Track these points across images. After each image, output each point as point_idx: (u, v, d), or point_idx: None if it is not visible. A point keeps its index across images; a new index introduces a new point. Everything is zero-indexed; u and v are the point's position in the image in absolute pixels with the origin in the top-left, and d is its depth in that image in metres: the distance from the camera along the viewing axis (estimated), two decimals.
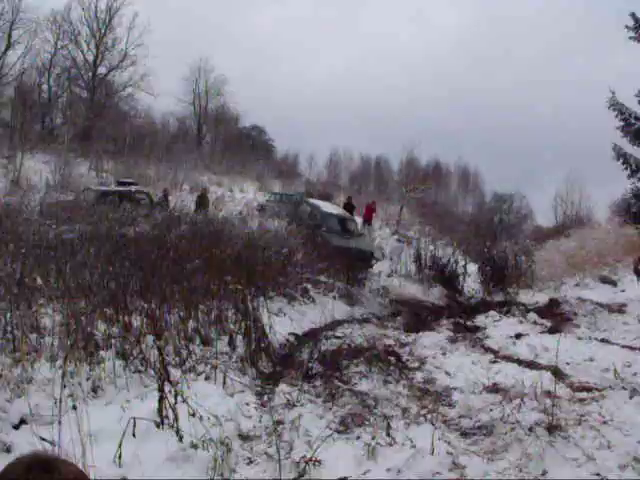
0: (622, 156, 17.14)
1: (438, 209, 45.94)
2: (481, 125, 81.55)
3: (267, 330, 7.98)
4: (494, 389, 6.40)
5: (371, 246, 18.90)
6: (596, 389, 6.51)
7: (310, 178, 57.10)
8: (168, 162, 35.17)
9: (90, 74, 44.61)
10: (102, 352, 5.98)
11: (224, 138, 56.65)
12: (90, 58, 44.44)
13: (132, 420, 4.30)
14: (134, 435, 4.27)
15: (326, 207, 20.16)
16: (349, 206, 29.48)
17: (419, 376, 7.11)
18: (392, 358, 7.55)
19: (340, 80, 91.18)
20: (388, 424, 5.15)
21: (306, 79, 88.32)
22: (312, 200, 21.82)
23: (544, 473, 4.44)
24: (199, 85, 57.25)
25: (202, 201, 21.09)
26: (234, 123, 60.98)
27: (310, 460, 4.42)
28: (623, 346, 8.53)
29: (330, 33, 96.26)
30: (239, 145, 55.65)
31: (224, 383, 6.10)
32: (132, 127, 43.58)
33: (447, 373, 7.19)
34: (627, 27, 17.61)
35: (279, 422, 5.47)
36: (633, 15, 17.37)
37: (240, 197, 35.94)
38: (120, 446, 4.06)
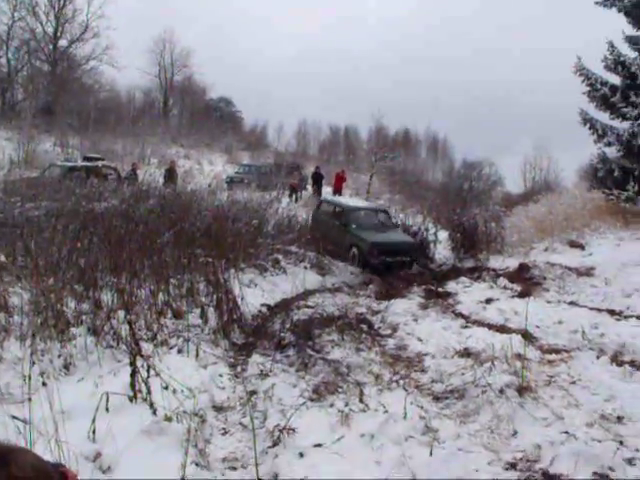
0: (589, 121, 17.28)
1: (408, 177, 46.01)
2: (450, 93, 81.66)
3: (239, 301, 7.97)
4: (465, 354, 6.48)
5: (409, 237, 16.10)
6: (565, 351, 6.63)
7: (279, 149, 56.81)
8: (135, 136, 34.72)
9: (51, 47, 43.58)
10: (73, 329, 5.93)
11: (191, 111, 56.10)
12: (50, 30, 43.40)
13: (105, 395, 4.28)
14: (107, 410, 4.26)
15: (350, 202, 18.10)
16: (317, 175, 29.44)
17: (391, 343, 7.17)
18: (364, 326, 7.60)
19: (309, 50, 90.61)
20: (361, 391, 5.20)
21: (274, 51, 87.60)
22: (332, 198, 19.71)
23: (514, 433, 4.53)
24: (164, 57, 56.41)
25: (170, 175, 20.89)
26: (201, 95, 60.27)
27: (284, 429, 4.45)
28: (591, 308, 8.68)
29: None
30: (207, 117, 55.09)
31: (197, 355, 6.10)
32: (97, 101, 42.88)
33: (419, 339, 7.26)
34: None
35: (253, 392, 5.50)
36: None
37: (209, 170, 35.74)
38: (93, 421, 4.05)
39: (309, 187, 30.29)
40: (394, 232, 15.73)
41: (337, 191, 29.33)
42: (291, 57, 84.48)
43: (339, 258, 13.85)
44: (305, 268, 11.79)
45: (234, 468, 4.26)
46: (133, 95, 55.47)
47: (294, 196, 25.89)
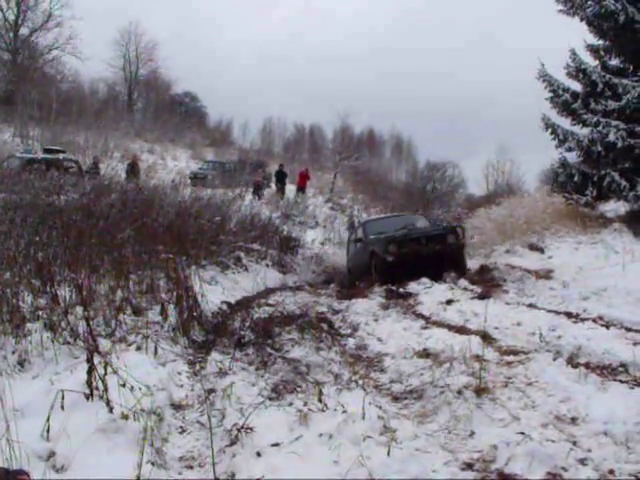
0: (551, 126, 17.59)
1: (372, 177, 46.24)
2: (416, 94, 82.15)
3: (199, 299, 7.93)
4: (425, 354, 6.53)
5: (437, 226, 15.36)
6: (522, 352, 6.70)
7: (244, 146, 56.63)
8: (98, 129, 34.28)
9: (11, 35, 42.73)
10: (29, 324, 5.84)
11: (156, 105, 55.60)
12: (11, 17, 42.58)
13: (60, 393, 4.22)
14: (62, 408, 4.19)
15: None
16: (281, 174, 29.44)
17: (351, 342, 7.19)
18: (324, 325, 7.62)
19: (276, 49, 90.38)
20: (320, 390, 5.19)
21: (241, 49, 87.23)
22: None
23: (472, 433, 4.56)
24: (129, 50, 55.86)
25: (133, 169, 20.75)
26: (166, 89, 59.81)
27: (242, 427, 4.43)
28: (549, 310, 8.79)
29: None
30: (171, 112, 54.72)
31: (155, 353, 6.05)
32: (59, 92, 42.19)
33: (379, 339, 7.30)
34: (556, 0, 17.97)
35: (211, 390, 5.47)
36: None
37: (172, 165, 35.51)
38: (48, 420, 3.98)
39: (273, 185, 30.27)
40: (414, 226, 14.48)
41: (300, 189, 29.37)
42: (258, 55, 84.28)
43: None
44: (267, 266, 11.82)
45: (191, 467, 4.23)
46: (97, 87, 54.82)
47: (258, 194, 25.85)
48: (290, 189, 29.98)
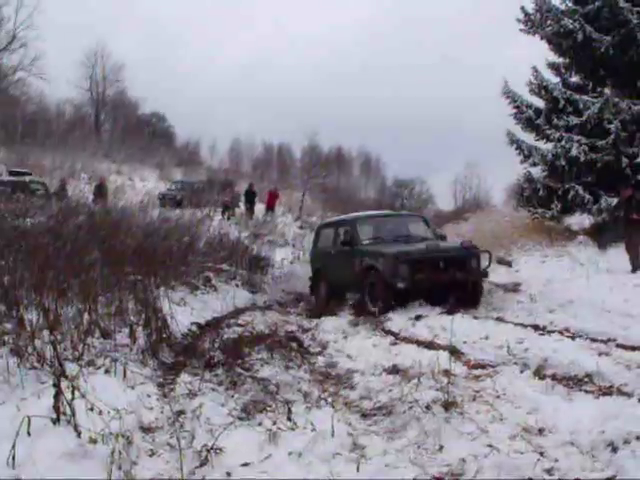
0: (515, 142, 17.96)
1: (340, 195, 46.46)
2: (383, 112, 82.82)
3: (169, 320, 7.90)
4: (394, 370, 6.57)
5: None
6: (490, 366, 6.78)
7: (212, 166, 56.62)
8: (64, 150, 34.03)
9: None
10: None
11: (123, 125, 55.35)
12: None
13: (26, 418, 4.17)
14: (29, 434, 4.15)
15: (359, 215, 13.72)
16: (251, 193, 29.44)
17: (321, 360, 7.21)
18: (294, 344, 7.63)
19: (243, 69, 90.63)
20: (289, 409, 5.20)
21: (210, 67, 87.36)
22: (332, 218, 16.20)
23: (440, 448, 4.60)
24: (96, 71, 55.64)
25: (101, 191, 20.65)
26: (133, 110, 59.61)
27: (212, 448, 4.41)
28: (516, 324, 8.90)
29: (235, 21, 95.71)
30: (139, 132, 54.51)
31: (124, 376, 5.99)
32: (24, 113, 41.83)
33: (348, 356, 7.33)
34: (518, 20, 18.41)
35: (181, 412, 5.43)
36: (522, 8, 18.21)
37: (141, 186, 35.34)
38: (13, 447, 3.94)
39: (242, 205, 30.26)
40: (432, 242, 11.57)
41: (270, 209, 29.43)
42: (227, 75, 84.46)
43: (350, 296, 11.70)
44: (236, 286, 11.80)
45: None
46: (63, 108, 54.44)
47: (227, 213, 25.82)
48: (259, 208, 29.98)
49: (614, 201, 15.26)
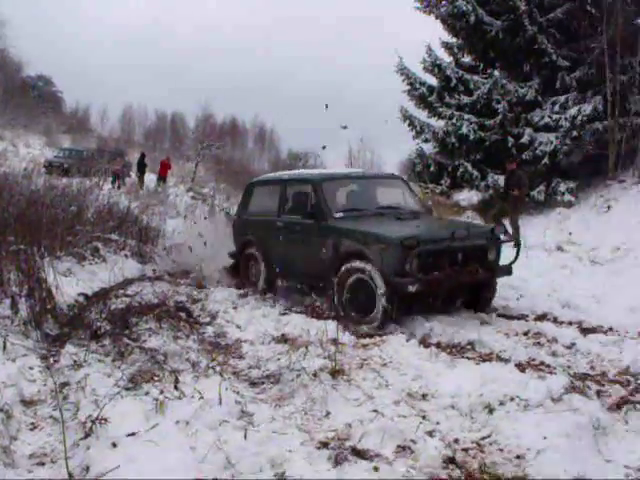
0: (408, 118, 18.37)
1: (234, 166, 46.04)
2: (278, 83, 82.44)
3: (54, 291, 7.64)
4: (282, 340, 6.66)
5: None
6: (378, 335, 6.94)
7: (102, 134, 54.89)
8: None
9: None
10: None
11: (5, 88, 52.48)
12: None
13: None
14: None
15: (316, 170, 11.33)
16: (142, 163, 28.80)
17: (210, 330, 7.17)
18: (183, 314, 7.54)
19: (137, 34, 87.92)
20: (176, 378, 5.17)
21: (101, 31, 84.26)
22: (276, 174, 11.29)
23: (327, 414, 4.71)
24: None
25: None
26: (16, 71, 56.64)
27: (96, 419, 4.32)
28: None
29: None
30: (23, 96, 51.85)
31: (4, 348, 5.78)
32: None
33: (238, 326, 7.32)
34: None
35: (65, 384, 5.29)
36: None
37: (25, 152, 33.85)
38: None
39: (133, 174, 29.58)
40: (432, 220, 9.37)
41: (161, 178, 28.93)
42: (117, 40, 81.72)
43: (315, 294, 8.56)
44: (126, 257, 11.51)
45: (42, 464, 4.07)
46: None
47: (117, 183, 25.16)
48: (150, 178, 29.36)
49: (500, 178, 15.88)
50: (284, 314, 7.91)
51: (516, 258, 8.21)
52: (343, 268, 7.73)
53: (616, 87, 15.77)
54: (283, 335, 6.81)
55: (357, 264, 7.56)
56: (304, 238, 8.66)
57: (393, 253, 7.22)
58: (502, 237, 8.78)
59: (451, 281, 7.47)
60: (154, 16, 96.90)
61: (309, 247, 8.52)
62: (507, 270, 8.14)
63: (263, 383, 5.44)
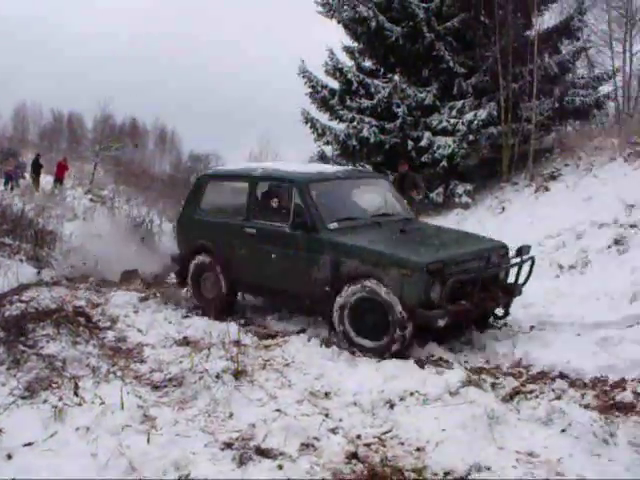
0: (310, 120, 18.52)
1: (134, 168, 45.08)
2: (183, 87, 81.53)
3: None
4: (185, 342, 6.63)
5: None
6: (281, 336, 7.00)
7: None
8: None
9: None
10: None
11: None
12: None
13: None
14: None
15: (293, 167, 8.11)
16: (37, 164, 27.90)
17: (111, 335, 7.02)
18: (82, 319, 7.36)
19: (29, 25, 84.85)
20: (76, 384, 5.07)
21: None
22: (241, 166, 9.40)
23: (231, 415, 4.73)
24: None
25: None
26: None
27: None
28: None
29: None
30: None
31: None
32: None
33: (139, 330, 7.20)
34: (316, 2, 19.00)
35: None
36: None
37: None
38: None
39: (27, 175, 28.59)
40: (440, 232, 8.07)
41: (58, 180, 28.13)
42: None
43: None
44: (20, 261, 11.11)
45: None
46: None
47: (10, 184, 24.26)
48: (47, 180, 28.44)
49: None
50: (186, 317, 7.86)
51: (528, 278, 7.17)
52: (347, 290, 6.54)
53: (509, 94, 16.46)
54: (185, 338, 6.77)
55: (367, 284, 6.37)
56: (287, 251, 7.21)
57: (417, 281, 6.12)
58: None
59: (479, 310, 6.64)
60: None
61: (294, 262, 7.15)
62: (519, 291, 7.19)
63: (165, 386, 5.39)
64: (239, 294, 8.44)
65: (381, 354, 6.24)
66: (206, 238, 8.17)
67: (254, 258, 7.58)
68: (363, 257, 6.54)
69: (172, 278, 10.18)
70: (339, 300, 6.55)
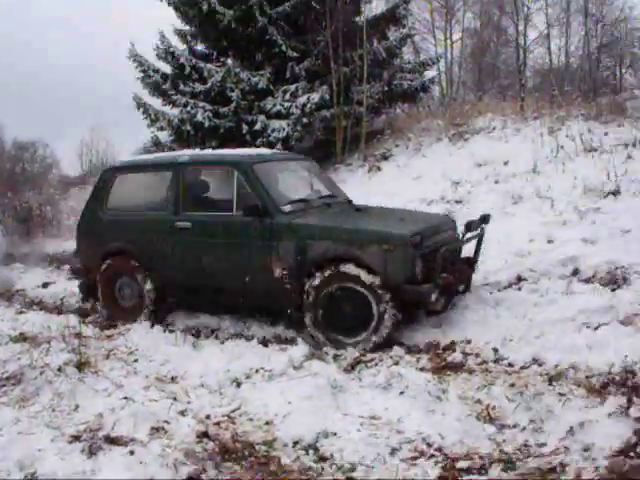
0: (142, 106, 18.06)
1: None
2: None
3: None
4: (22, 338, 6.35)
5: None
6: (122, 325, 6.91)
7: None
8: None
9: None
10: None
11: None
12: None
13: None
14: None
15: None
16: None
17: None
18: None
19: None
20: None
21: None
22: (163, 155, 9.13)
23: (76, 407, 4.63)
24: None
25: None
26: None
27: None
28: None
29: None
30: None
31: None
32: None
33: None
34: None
35: None
36: None
37: None
38: None
39: None
40: (398, 211, 7.49)
41: None
42: None
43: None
44: None
45: None
46: None
47: None
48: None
49: None
50: (21, 312, 7.56)
51: (477, 254, 6.92)
52: (318, 279, 5.96)
53: (340, 78, 16.85)
54: (22, 334, 6.48)
55: (346, 269, 5.82)
56: (235, 243, 6.50)
57: (402, 255, 5.70)
58: None
59: (457, 283, 6.39)
60: None
61: (247, 255, 6.41)
62: (473, 268, 6.95)
63: (4, 385, 5.15)
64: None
65: (359, 343, 5.85)
66: (122, 239, 7.24)
67: (191, 255, 6.77)
68: (334, 237, 5.99)
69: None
70: (308, 289, 6.03)
